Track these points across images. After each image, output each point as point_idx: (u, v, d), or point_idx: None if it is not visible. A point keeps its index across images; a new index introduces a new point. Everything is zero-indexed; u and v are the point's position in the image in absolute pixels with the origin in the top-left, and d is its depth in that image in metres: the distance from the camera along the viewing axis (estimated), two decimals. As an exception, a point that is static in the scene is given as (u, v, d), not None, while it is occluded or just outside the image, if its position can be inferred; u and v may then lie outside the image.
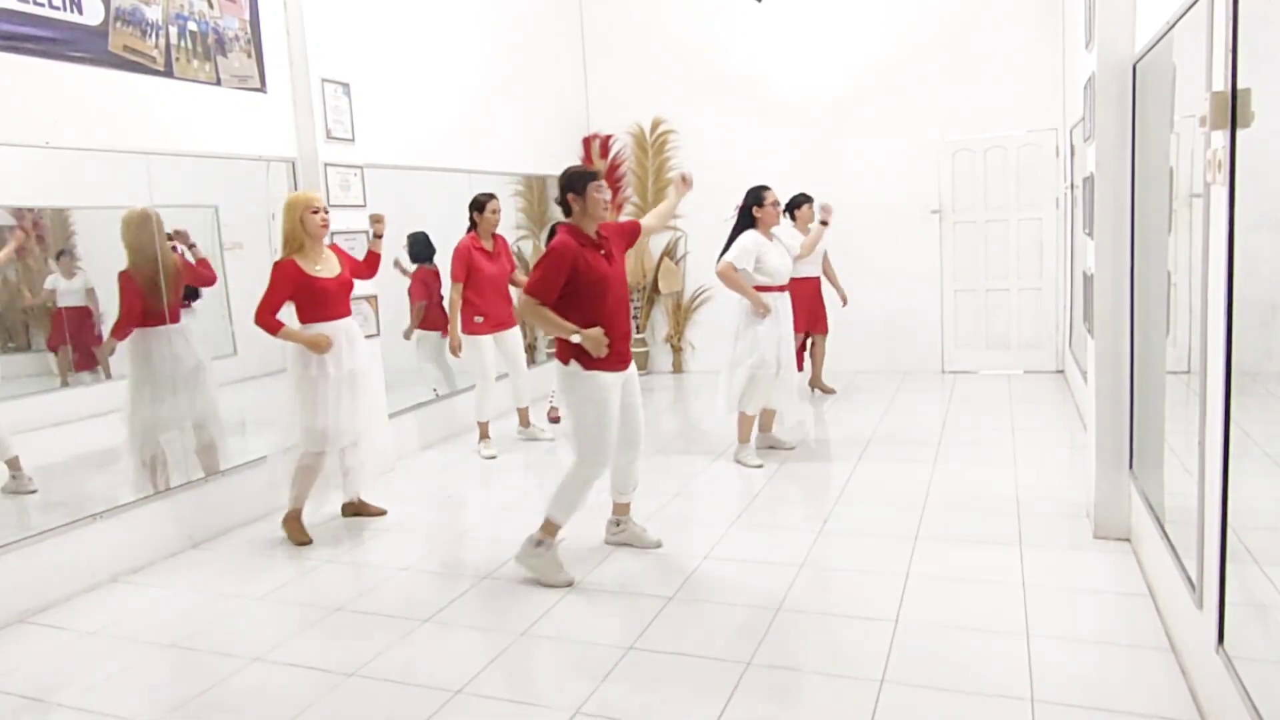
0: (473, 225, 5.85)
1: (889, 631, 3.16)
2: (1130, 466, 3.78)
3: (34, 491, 4.24)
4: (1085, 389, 4.46)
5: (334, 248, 4.51)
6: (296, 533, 4.46)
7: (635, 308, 8.90)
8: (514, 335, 6.08)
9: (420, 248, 6.73)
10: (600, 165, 8.71)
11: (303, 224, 4.29)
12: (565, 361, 3.70)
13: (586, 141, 8.80)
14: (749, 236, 5.21)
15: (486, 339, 5.92)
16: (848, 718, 2.65)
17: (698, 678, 2.94)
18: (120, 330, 4.47)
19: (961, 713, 2.65)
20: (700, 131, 8.47)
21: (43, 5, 3.86)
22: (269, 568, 4.16)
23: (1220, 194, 2.19)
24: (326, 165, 5.30)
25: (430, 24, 6.53)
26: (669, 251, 8.72)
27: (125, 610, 3.76)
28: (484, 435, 6.06)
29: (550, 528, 3.80)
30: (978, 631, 3.14)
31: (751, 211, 5.28)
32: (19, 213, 4.65)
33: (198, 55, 4.62)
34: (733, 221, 5.34)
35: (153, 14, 4.36)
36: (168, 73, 4.46)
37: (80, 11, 4.02)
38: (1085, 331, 4.19)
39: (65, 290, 4.88)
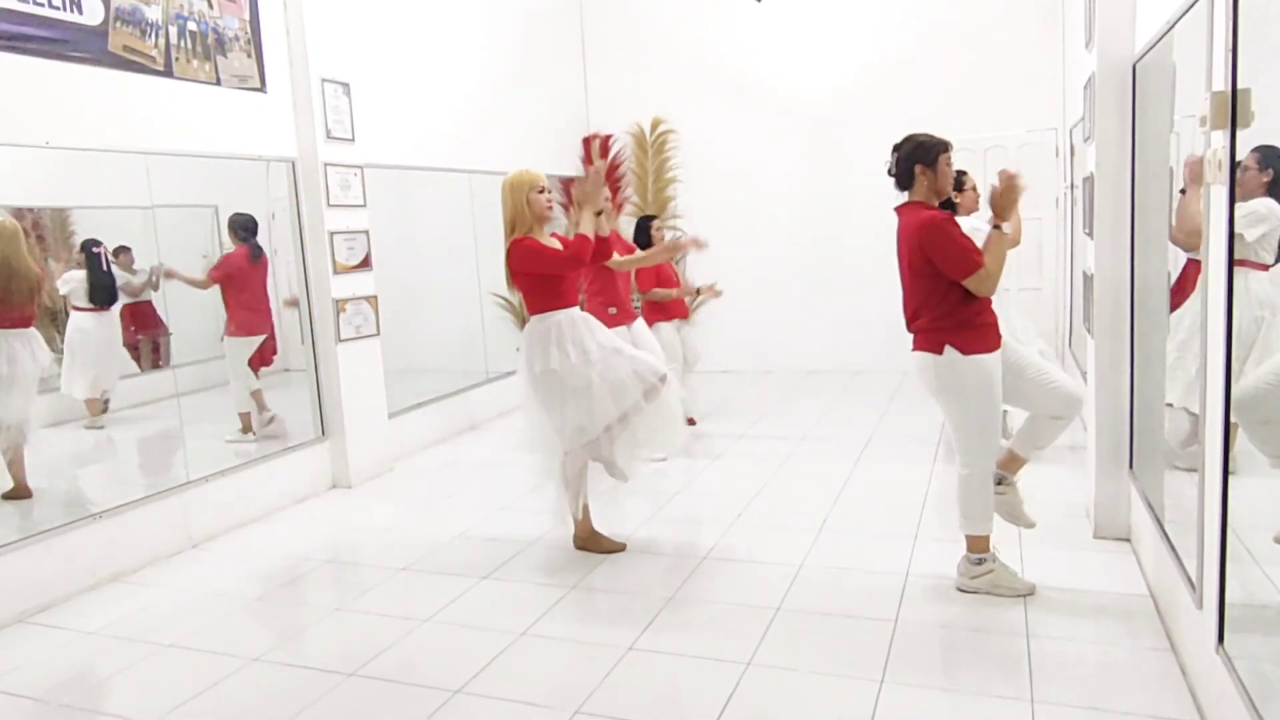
0: None
1: (889, 631, 3.16)
2: (1130, 466, 3.78)
3: None
4: (1085, 389, 4.45)
5: (556, 235, 4.06)
6: (602, 544, 4.08)
7: (636, 308, 8.88)
8: (641, 329, 5.65)
9: (241, 233, 5.72)
10: (600, 165, 8.70)
11: (529, 204, 3.83)
12: (938, 350, 3.32)
13: (586, 141, 8.80)
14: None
15: (622, 330, 5.34)
16: (848, 717, 2.65)
17: (698, 677, 2.94)
18: None
19: (961, 713, 2.65)
20: (700, 131, 8.47)
21: (43, 5, 3.86)
22: (269, 567, 4.16)
23: (1220, 194, 2.20)
24: (326, 165, 5.30)
25: (430, 24, 6.53)
26: (669, 251, 8.71)
27: (125, 610, 3.76)
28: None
29: (976, 542, 3.43)
30: (977, 631, 3.14)
31: (950, 198, 4.96)
32: (19, 212, 4.65)
33: (198, 55, 4.62)
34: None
35: (153, 14, 4.36)
36: (168, 73, 4.46)
37: (80, 11, 4.02)
38: (1085, 331, 4.19)
39: None
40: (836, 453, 5.55)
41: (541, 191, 3.86)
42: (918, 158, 3.33)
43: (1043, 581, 3.48)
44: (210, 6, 4.68)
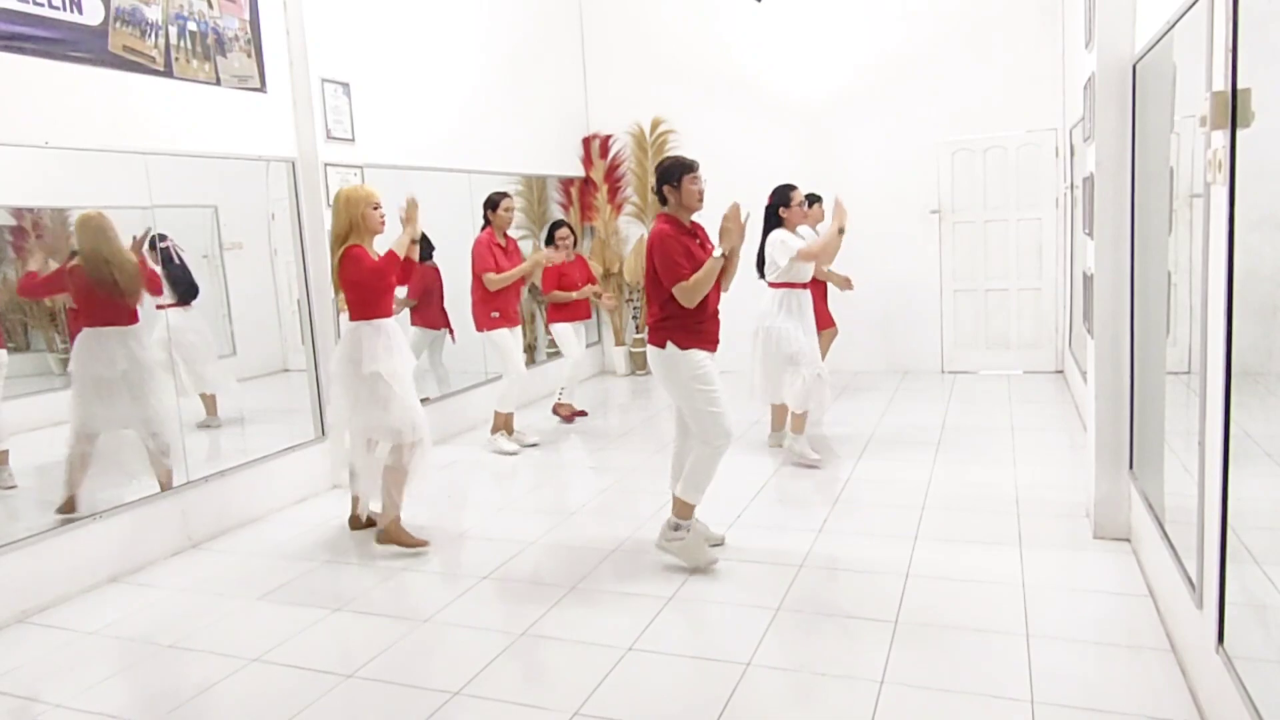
0: (487, 222, 5.95)
1: (889, 631, 3.16)
2: (1130, 466, 3.78)
3: (13, 487, 4.22)
4: (1085, 389, 4.46)
5: (382, 253, 4.33)
6: (407, 538, 4.27)
7: (634, 308, 8.91)
8: (518, 334, 6.12)
9: (421, 245, 6.68)
10: (600, 165, 8.72)
11: (364, 220, 4.14)
12: (662, 345, 3.77)
13: (586, 141, 8.80)
14: (782, 235, 5.24)
15: (504, 332, 5.97)
16: (848, 718, 2.65)
17: (698, 678, 2.94)
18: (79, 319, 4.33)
19: (961, 713, 2.65)
20: (700, 131, 8.47)
21: (43, 5, 3.86)
22: (269, 568, 4.16)
23: (1220, 194, 2.20)
24: (326, 165, 5.30)
25: (430, 24, 6.53)
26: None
27: (125, 610, 3.76)
28: (505, 428, 6.09)
29: (684, 509, 3.87)
30: (978, 631, 3.14)
31: (778, 212, 5.29)
32: (19, 213, 4.65)
33: (197, 55, 4.62)
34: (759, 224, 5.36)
35: (152, 14, 4.36)
36: (167, 73, 4.46)
37: (80, 11, 4.02)
38: (1085, 331, 4.19)
39: None
40: (837, 453, 5.55)
41: (376, 208, 4.20)
42: (665, 179, 3.80)
43: (1043, 581, 3.49)
44: (210, 6, 4.68)
